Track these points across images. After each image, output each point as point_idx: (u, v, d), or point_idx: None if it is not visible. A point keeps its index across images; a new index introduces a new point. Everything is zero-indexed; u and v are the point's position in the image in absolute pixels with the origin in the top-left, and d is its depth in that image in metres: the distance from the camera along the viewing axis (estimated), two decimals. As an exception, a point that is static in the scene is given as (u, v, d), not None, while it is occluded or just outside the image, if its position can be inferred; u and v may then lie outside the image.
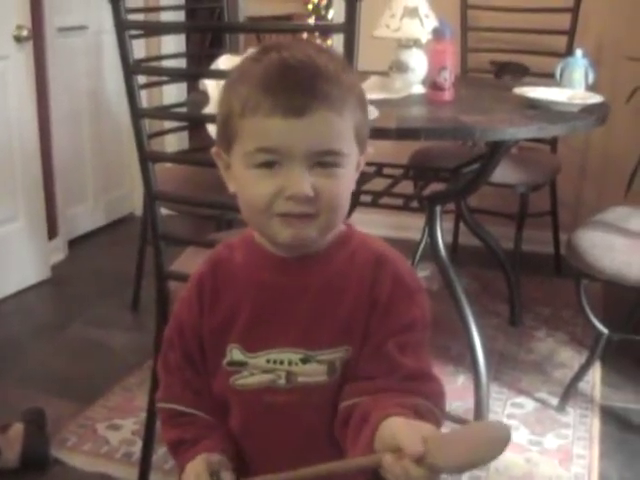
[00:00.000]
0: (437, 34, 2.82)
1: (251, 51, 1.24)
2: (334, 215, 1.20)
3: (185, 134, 4.71)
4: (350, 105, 1.18)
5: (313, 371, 1.23)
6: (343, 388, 1.23)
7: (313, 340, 1.23)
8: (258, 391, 1.25)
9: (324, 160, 1.16)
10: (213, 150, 1.26)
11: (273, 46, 1.20)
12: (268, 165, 1.16)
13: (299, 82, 1.14)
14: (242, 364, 1.26)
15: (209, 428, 1.31)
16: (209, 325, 1.28)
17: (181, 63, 4.37)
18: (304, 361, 1.23)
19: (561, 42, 3.94)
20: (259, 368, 1.25)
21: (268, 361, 1.24)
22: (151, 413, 2.35)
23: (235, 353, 1.26)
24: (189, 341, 1.31)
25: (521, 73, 3.88)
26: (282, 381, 1.24)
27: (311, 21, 8.10)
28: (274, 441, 1.28)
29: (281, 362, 1.24)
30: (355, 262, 1.25)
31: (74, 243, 4.38)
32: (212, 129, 2.50)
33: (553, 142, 4.02)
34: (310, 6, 8.26)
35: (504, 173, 3.46)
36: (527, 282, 3.80)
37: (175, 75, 3.36)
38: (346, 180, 1.19)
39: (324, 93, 1.14)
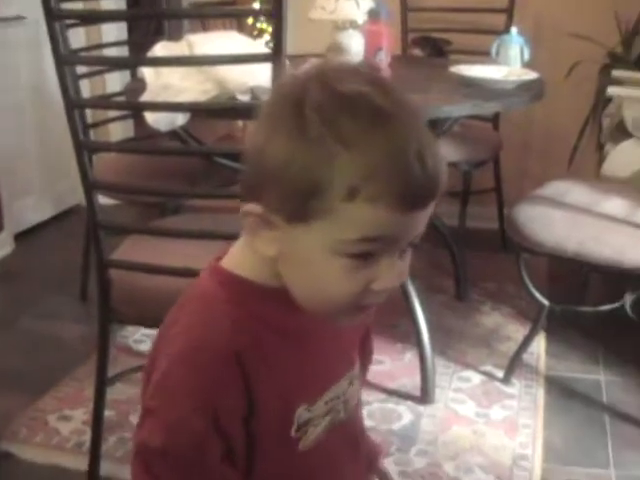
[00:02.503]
0: (372, 15, 2.85)
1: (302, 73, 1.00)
2: None
3: (130, 122, 4.70)
4: None
5: (355, 390, 1.22)
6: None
7: (351, 363, 1.21)
8: (319, 439, 1.13)
9: (413, 243, 1.03)
10: (246, 208, 1.00)
11: (358, 89, 0.96)
12: (363, 256, 0.97)
13: (427, 176, 0.94)
14: (307, 422, 1.10)
15: None
16: (267, 399, 1.05)
17: (123, 51, 4.35)
18: (350, 384, 1.19)
19: (501, 20, 3.98)
20: (320, 415, 1.12)
21: (326, 402, 1.13)
22: (99, 401, 2.37)
23: (303, 415, 1.09)
24: (233, 431, 1.03)
25: (431, 48, 3.94)
26: (341, 414, 1.17)
27: (256, 5, 8.07)
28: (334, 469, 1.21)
29: (338, 397, 1.16)
30: None
31: (21, 236, 4.34)
32: (150, 116, 2.51)
33: (495, 119, 4.07)
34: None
35: (446, 151, 3.49)
36: (473, 258, 3.82)
37: (109, 64, 3.36)
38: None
39: (442, 184, 0.97)
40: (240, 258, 1.08)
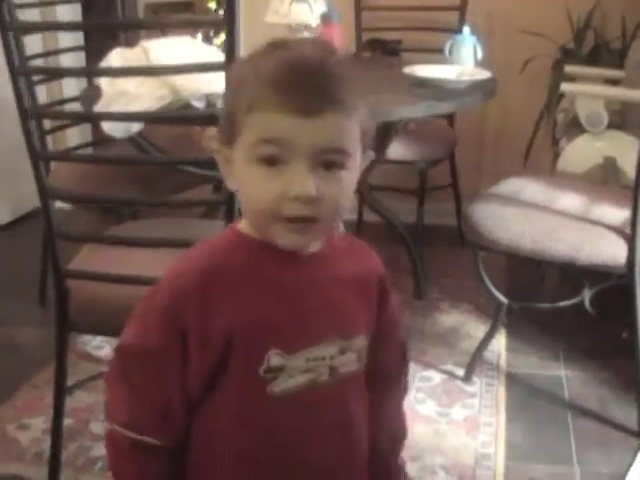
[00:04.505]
0: (325, 18, 2.87)
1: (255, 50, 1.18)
2: (335, 219, 1.20)
3: (87, 126, 4.67)
4: (358, 107, 1.16)
5: (349, 361, 1.26)
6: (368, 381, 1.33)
7: (346, 330, 1.25)
8: (296, 394, 1.21)
9: (329, 159, 1.13)
10: (213, 146, 1.21)
11: (281, 44, 1.16)
12: (271, 161, 1.12)
13: (310, 83, 1.10)
14: (280, 369, 1.19)
15: (173, 462, 1.24)
16: (232, 325, 1.17)
17: (81, 56, 4.32)
18: (342, 352, 1.24)
19: (454, 17, 4.00)
20: (297, 369, 1.20)
21: (307, 360, 1.21)
22: (58, 410, 2.35)
23: (274, 359, 1.18)
24: (193, 351, 1.18)
25: (382, 50, 3.96)
26: (325, 377, 1.23)
27: (212, 5, 8.05)
28: (308, 447, 1.25)
29: (322, 358, 1.22)
30: (353, 252, 1.31)
31: (-22, 242, 4.30)
32: (105, 125, 2.50)
33: (450, 116, 4.09)
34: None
35: (403, 150, 3.52)
36: (431, 255, 3.85)
37: (63, 74, 3.34)
38: (348, 183, 1.17)
39: (334, 96, 1.11)
40: (245, 218, 1.24)
